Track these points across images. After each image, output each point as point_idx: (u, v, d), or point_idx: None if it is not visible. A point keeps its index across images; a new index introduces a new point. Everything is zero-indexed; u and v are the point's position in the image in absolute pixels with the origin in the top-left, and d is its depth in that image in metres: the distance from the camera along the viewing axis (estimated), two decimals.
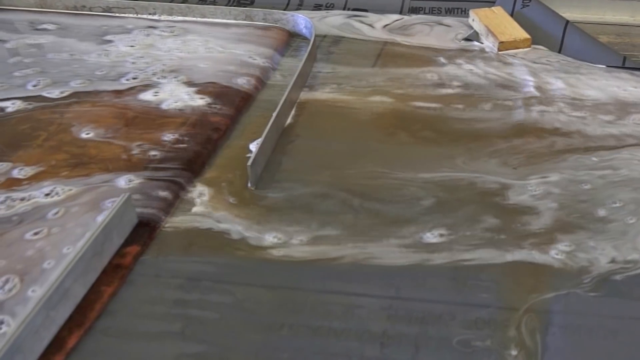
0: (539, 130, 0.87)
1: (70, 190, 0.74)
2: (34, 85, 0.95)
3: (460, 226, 0.71)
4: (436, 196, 0.75)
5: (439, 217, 0.72)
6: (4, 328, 0.58)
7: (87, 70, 1.00)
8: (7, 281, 0.63)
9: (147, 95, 0.93)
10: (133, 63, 1.02)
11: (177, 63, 1.02)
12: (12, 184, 0.76)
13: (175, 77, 0.97)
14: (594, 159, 0.81)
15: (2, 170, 0.78)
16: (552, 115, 0.91)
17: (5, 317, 0.59)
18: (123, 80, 0.97)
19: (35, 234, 0.69)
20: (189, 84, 0.96)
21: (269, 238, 0.69)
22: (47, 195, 0.74)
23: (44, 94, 0.93)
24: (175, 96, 0.92)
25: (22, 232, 0.69)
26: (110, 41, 1.09)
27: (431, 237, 0.69)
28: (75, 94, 0.93)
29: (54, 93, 0.93)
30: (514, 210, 0.73)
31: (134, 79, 0.97)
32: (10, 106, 0.90)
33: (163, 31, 1.13)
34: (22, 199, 0.73)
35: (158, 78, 0.97)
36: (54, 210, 0.71)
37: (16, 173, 0.77)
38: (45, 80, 0.97)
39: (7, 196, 0.73)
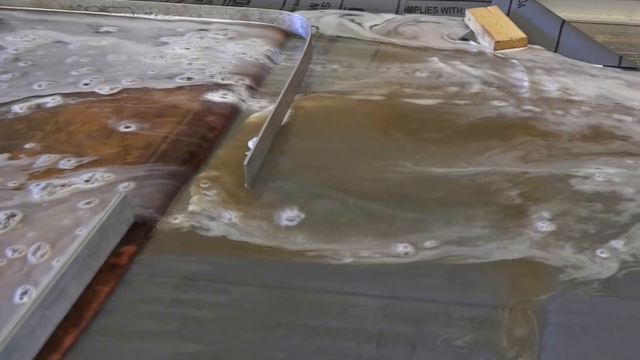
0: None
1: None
2: (86, 84, 0.97)
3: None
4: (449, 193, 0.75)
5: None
6: (25, 299, 0.60)
7: (140, 70, 1.01)
8: (38, 248, 0.66)
9: (215, 97, 0.94)
10: (190, 64, 1.03)
11: (236, 65, 1.03)
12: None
13: (240, 80, 0.99)
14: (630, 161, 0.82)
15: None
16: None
17: (30, 287, 0.61)
18: (177, 80, 0.98)
19: (87, 203, 0.72)
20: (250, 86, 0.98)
21: (265, 237, 0.69)
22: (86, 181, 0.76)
23: (96, 90, 0.95)
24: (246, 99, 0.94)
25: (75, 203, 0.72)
26: (165, 43, 1.11)
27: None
28: (124, 90, 0.95)
29: (104, 89, 0.95)
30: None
31: (188, 79, 0.98)
32: (51, 101, 0.92)
33: (216, 34, 1.14)
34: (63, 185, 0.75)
35: (221, 79, 0.98)
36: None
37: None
38: (99, 79, 0.98)
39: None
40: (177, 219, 0.72)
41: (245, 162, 0.75)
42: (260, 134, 0.80)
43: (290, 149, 0.84)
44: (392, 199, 0.75)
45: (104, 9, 1.20)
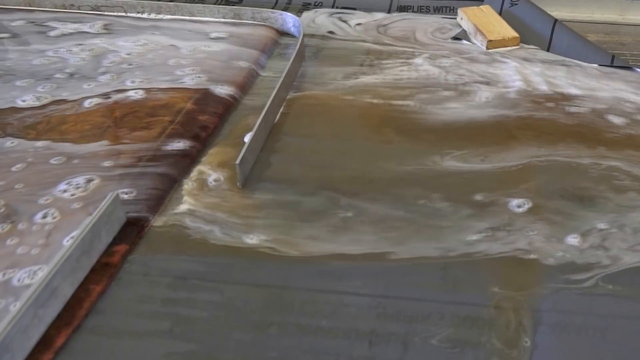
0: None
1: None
2: (181, 82, 0.97)
3: None
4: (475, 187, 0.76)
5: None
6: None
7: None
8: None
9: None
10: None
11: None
12: None
13: None
14: None
15: None
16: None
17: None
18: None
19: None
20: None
21: (258, 237, 0.69)
22: None
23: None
24: None
25: None
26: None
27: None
28: None
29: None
30: None
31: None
32: (133, 95, 0.94)
33: None
34: None
35: None
36: None
37: None
38: (201, 78, 0.98)
39: None
40: (170, 218, 0.72)
41: (237, 161, 0.75)
42: (252, 133, 0.80)
43: (282, 148, 0.84)
44: (385, 197, 0.75)
45: (96, 8, 1.20)
